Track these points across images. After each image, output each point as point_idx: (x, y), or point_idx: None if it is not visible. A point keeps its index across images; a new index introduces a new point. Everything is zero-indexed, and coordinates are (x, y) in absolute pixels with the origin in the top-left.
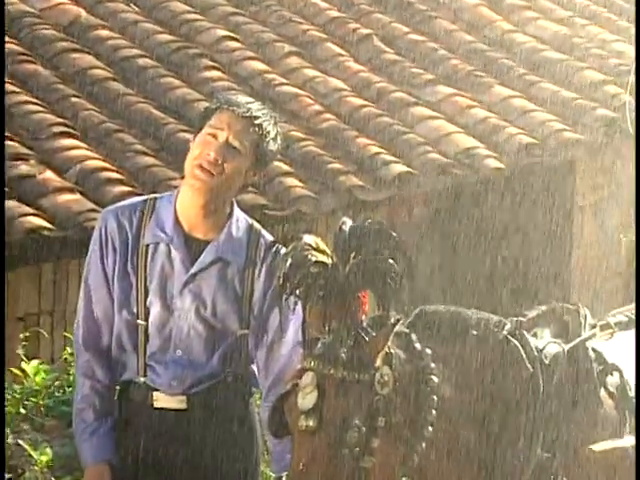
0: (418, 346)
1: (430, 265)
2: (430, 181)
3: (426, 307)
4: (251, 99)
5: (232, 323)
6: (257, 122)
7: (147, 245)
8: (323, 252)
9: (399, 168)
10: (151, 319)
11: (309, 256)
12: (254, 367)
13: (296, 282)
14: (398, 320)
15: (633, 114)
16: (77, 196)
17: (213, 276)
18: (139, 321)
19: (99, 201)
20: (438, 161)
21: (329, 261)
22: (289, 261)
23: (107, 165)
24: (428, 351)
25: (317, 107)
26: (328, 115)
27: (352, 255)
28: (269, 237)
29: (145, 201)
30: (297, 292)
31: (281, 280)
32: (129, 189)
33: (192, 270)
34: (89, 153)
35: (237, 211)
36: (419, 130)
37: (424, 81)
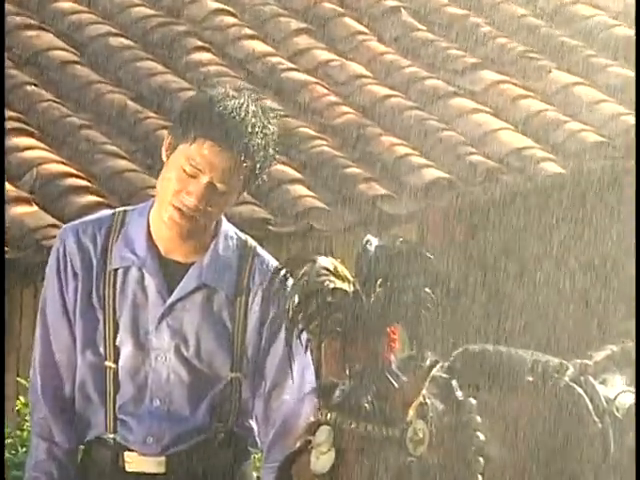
0: (460, 395)
1: (473, 294)
2: (472, 190)
3: (469, 346)
4: (237, 101)
5: (221, 365)
6: (249, 152)
7: (115, 270)
8: (343, 278)
9: (433, 174)
10: (122, 361)
11: (325, 282)
12: (252, 422)
13: (309, 315)
14: (435, 362)
15: None
16: (33, 208)
17: (196, 307)
18: (107, 363)
19: (60, 214)
20: (482, 165)
21: (350, 289)
22: (300, 289)
23: (70, 170)
24: (472, 401)
25: (332, 98)
26: (345, 108)
27: (378, 282)
28: (267, 257)
29: (113, 215)
30: (310, 327)
31: (290, 313)
32: (98, 199)
33: (170, 300)
34: (48, 155)
35: (226, 225)
36: (458, 126)
37: (465, 66)
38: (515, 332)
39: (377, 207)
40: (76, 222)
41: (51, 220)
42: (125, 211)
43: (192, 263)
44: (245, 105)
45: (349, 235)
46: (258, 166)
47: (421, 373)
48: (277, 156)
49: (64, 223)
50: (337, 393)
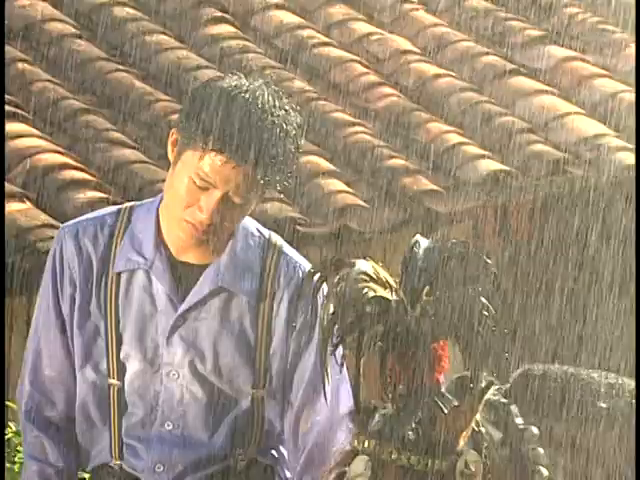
0: (520, 422)
1: (536, 305)
2: (535, 184)
3: (531, 366)
4: (253, 97)
5: (243, 382)
6: (268, 163)
7: (119, 274)
8: (385, 284)
9: (490, 165)
10: (128, 378)
11: (365, 290)
12: (279, 448)
13: (345, 327)
14: (491, 384)
15: None
16: (27, 205)
17: (213, 314)
18: (110, 381)
19: (57, 212)
20: (547, 155)
21: (393, 297)
22: (336, 297)
23: (69, 160)
24: (535, 430)
25: (372, 77)
26: (387, 89)
27: (426, 290)
28: (294, 256)
29: (118, 212)
30: (346, 341)
31: (324, 323)
32: (100, 195)
33: (182, 307)
34: (44, 143)
35: (246, 220)
36: (520, 110)
37: (527, 39)
38: (585, 349)
39: (424, 205)
40: (76, 220)
41: (47, 219)
42: (132, 207)
43: (207, 265)
44: (261, 103)
45: (391, 237)
46: (280, 171)
47: (474, 397)
48: (309, 146)
49: (62, 222)
50: (377, 418)
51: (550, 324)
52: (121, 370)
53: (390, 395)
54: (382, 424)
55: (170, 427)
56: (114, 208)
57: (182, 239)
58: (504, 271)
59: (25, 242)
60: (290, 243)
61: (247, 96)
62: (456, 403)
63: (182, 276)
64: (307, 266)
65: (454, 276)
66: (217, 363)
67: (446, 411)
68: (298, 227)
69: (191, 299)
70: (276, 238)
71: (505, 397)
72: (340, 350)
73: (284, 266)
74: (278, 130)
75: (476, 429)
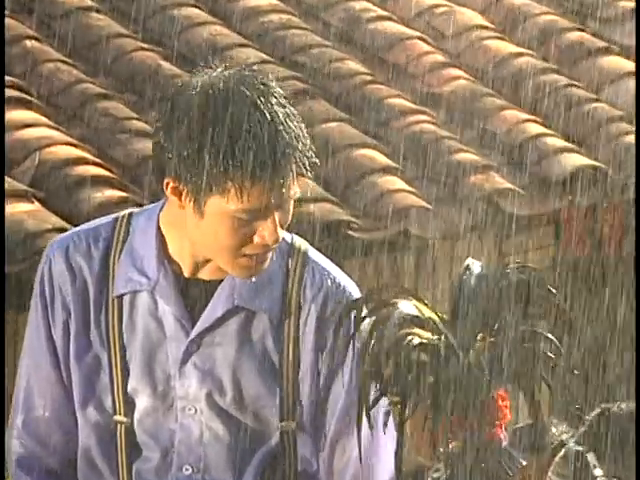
0: (599, 474)
1: (621, 341)
2: (629, 181)
3: (609, 406)
4: (253, 108)
5: (270, 413)
6: (295, 158)
7: (120, 297)
8: (431, 327)
9: (576, 160)
10: (137, 417)
11: (409, 337)
12: None
13: (388, 378)
14: (562, 432)
15: None
16: (35, 206)
17: (230, 338)
18: (117, 418)
19: (72, 214)
20: None
21: (443, 342)
22: (375, 343)
23: (85, 154)
24: None
25: (437, 57)
26: (454, 70)
27: (480, 334)
28: (322, 263)
29: (114, 223)
30: (389, 394)
31: (363, 375)
32: (121, 194)
33: (194, 331)
34: (55, 134)
35: None
36: (611, 95)
37: (620, 12)
38: None
39: (498, 206)
40: (66, 234)
41: (58, 222)
42: (130, 215)
43: (221, 281)
44: (268, 112)
45: (458, 244)
46: (305, 152)
47: (544, 450)
48: (363, 137)
49: (75, 226)
50: None
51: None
52: (129, 406)
53: (442, 454)
54: None
55: (189, 471)
56: (110, 218)
57: (246, 274)
58: (591, 289)
59: (31, 248)
60: (340, 249)
61: (241, 97)
62: (522, 461)
63: (192, 295)
64: (338, 275)
65: (514, 311)
66: (238, 394)
67: (511, 472)
68: (350, 232)
69: (203, 322)
70: (300, 242)
71: (580, 444)
72: (384, 403)
73: (310, 275)
74: (286, 118)
75: None
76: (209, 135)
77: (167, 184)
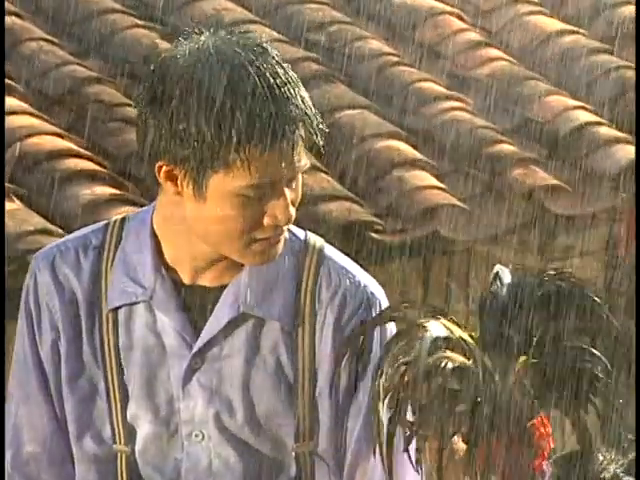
0: None
1: None
2: None
3: None
4: (237, 71)
5: (285, 434)
6: (303, 123)
7: (114, 311)
8: (463, 348)
9: (631, 153)
10: (139, 446)
11: (440, 361)
12: None
13: (423, 418)
14: (612, 461)
15: None
16: (16, 204)
17: (238, 350)
18: (117, 447)
19: (57, 214)
20: None
21: (478, 366)
22: (403, 371)
23: (72, 145)
24: None
25: (471, 35)
26: (492, 51)
27: (517, 348)
28: (339, 260)
29: (104, 229)
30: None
31: (389, 403)
32: (114, 190)
33: (197, 345)
34: (39, 122)
35: None
36: None
37: None
38: None
39: (541, 204)
40: (51, 245)
41: (40, 222)
42: (122, 220)
43: (224, 287)
44: (269, 74)
45: (496, 248)
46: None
47: None
48: (388, 126)
49: (62, 227)
50: None
51: None
52: (131, 434)
53: None
54: None
55: None
56: (100, 224)
57: (259, 261)
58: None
59: (13, 253)
60: (363, 253)
61: (237, 59)
62: None
63: (193, 305)
64: (358, 273)
65: (554, 326)
66: (250, 413)
67: None
68: (372, 234)
69: (207, 333)
70: (315, 239)
71: (628, 473)
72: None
73: (326, 274)
74: (289, 79)
75: None
76: (205, 104)
77: (159, 168)
